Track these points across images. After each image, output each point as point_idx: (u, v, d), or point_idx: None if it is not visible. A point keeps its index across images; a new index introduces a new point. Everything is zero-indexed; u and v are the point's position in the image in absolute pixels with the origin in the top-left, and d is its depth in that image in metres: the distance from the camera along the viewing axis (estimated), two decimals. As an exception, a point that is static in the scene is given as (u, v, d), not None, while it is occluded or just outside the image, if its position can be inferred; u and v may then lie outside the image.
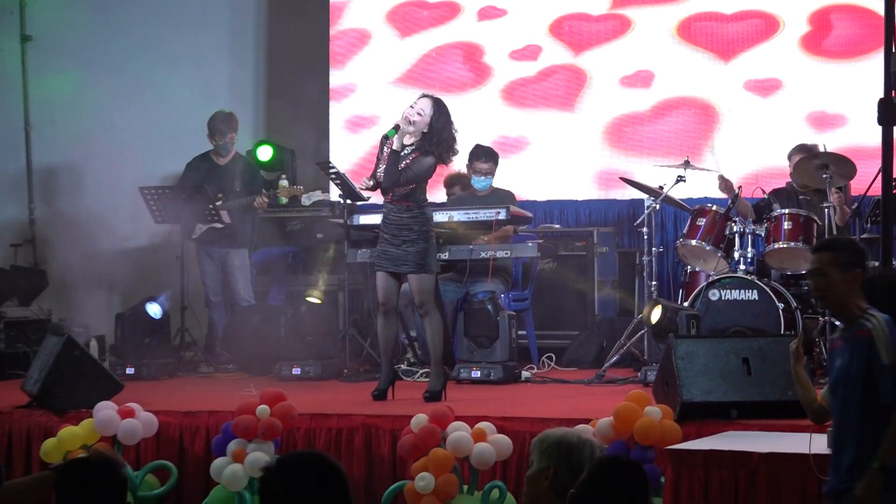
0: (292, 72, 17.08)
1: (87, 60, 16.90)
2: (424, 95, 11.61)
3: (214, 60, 17.08)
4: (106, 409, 10.57)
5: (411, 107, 11.38)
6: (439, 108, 11.47)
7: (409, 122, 11.27)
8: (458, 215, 13.31)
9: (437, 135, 11.37)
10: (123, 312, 14.23)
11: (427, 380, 11.87)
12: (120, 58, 16.68)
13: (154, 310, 14.02)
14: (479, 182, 13.85)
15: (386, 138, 11.42)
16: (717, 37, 16.11)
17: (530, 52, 16.77)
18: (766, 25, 15.80)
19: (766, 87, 15.38)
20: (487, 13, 17.14)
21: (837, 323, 12.09)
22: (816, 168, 12.41)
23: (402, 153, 11.30)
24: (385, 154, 11.36)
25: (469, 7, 17.16)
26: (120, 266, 15.52)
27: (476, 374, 12.60)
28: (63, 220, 17.12)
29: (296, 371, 13.14)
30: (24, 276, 16.16)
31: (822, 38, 15.42)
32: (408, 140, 11.36)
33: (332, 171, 12.07)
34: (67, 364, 11.51)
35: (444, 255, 13.29)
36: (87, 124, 16.54)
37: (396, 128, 11.37)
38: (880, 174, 10.96)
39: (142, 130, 15.99)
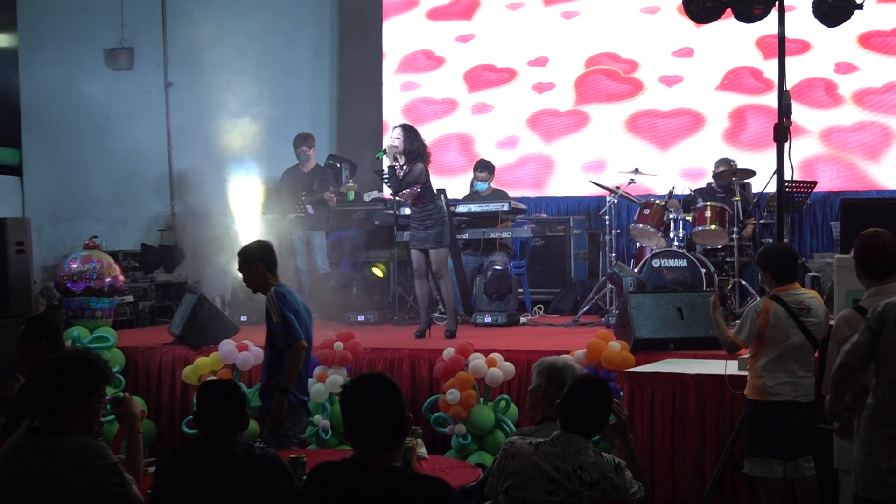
0: (355, 106, 17.08)
1: (210, 99, 16.93)
2: (397, 126, 11.86)
3: (300, 99, 17.08)
4: (227, 345, 10.70)
5: (391, 136, 11.67)
6: (408, 131, 11.72)
7: (393, 146, 11.47)
8: (474, 207, 13.43)
9: (414, 148, 11.53)
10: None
11: (445, 323, 11.96)
12: (233, 95, 16.69)
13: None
14: (479, 185, 13.97)
15: (377, 159, 11.61)
16: (657, 130, 16.07)
17: (511, 142, 16.77)
18: (693, 121, 15.87)
19: (695, 174, 15.13)
20: (479, 108, 17.12)
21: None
22: (730, 173, 12.55)
23: (401, 165, 11.51)
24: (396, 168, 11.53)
25: (465, 103, 17.19)
26: (235, 245, 15.55)
27: (488, 319, 12.72)
28: (193, 211, 17.15)
29: (360, 318, 13.25)
30: (168, 252, 16.24)
31: (739, 131, 15.51)
32: (401, 159, 11.51)
33: (384, 177, 12.10)
34: (200, 313, 11.58)
35: (465, 236, 13.42)
36: (208, 140, 16.58)
37: (384, 151, 11.55)
38: (775, 176, 11.05)
39: (251, 145, 15.99)
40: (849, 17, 9.31)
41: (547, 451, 5.45)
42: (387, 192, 13.71)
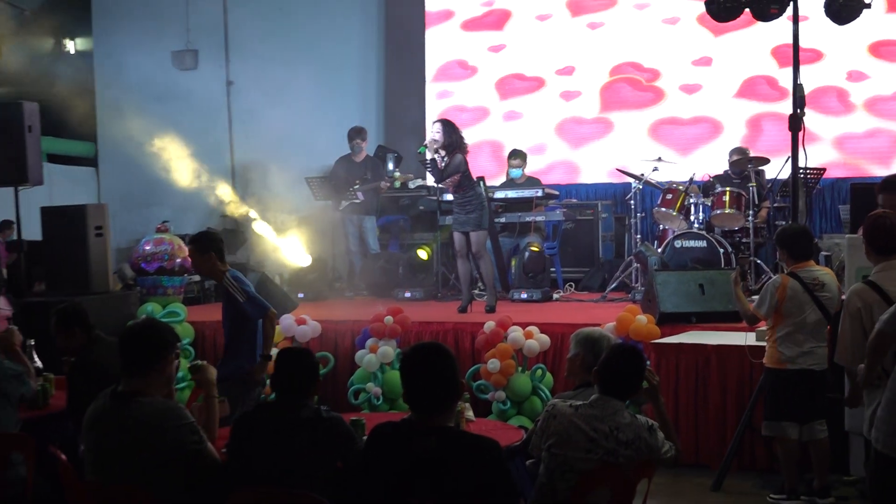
0: (400, 102, 17.08)
1: (268, 96, 16.96)
2: (437, 121, 11.79)
3: (349, 92, 17.10)
4: (287, 319, 10.69)
5: (431, 131, 11.59)
6: (446, 125, 11.64)
7: (434, 140, 11.40)
8: (511, 193, 13.42)
9: (453, 141, 11.47)
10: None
11: (485, 299, 11.92)
12: (288, 92, 16.72)
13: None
14: (514, 172, 13.91)
15: (419, 153, 11.59)
16: (678, 136, 15.85)
17: (539, 148, 16.44)
18: (712, 128, 15.69)
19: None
20: (510, 116, 16.93)
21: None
22: (746, 161, 12.49)
23: (442, 157, 11.46)
24: (440, 157, 11.51)
25: (496, 111, 17.01)
26: (292, 227, 15.59)
27: (524, 295, 12.69)
28: (254, 198, 17.22)
29: (407, 294, 13.25)
30: (231, 235, 16.27)
31: (756, 138, 15.23)
32: (441, 152, 11.47)
33: (427, 166, 12.12)
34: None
35: (502, 219, 13.42)
36: (268, 135, 16.62)
37: (424, 146, 11.52)
38: (787, 163, 10.99)
39: (304, 137, 16.03)
40: (858, 16, 9.22)
41: (586, 413, 5.45)
42: (430, 180, 13.68)
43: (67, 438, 7.28)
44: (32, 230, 12.34)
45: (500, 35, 17.10)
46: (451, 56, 17.28)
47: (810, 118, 9.79)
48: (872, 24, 14.25)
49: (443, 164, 11.48)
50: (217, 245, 8.31)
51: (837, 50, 14.78)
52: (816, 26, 13.15)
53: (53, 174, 12.36)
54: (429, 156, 11.66)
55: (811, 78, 12.36)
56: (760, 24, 14.38)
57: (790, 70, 9.16)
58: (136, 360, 5.42)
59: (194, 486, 5.40)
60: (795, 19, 8.96)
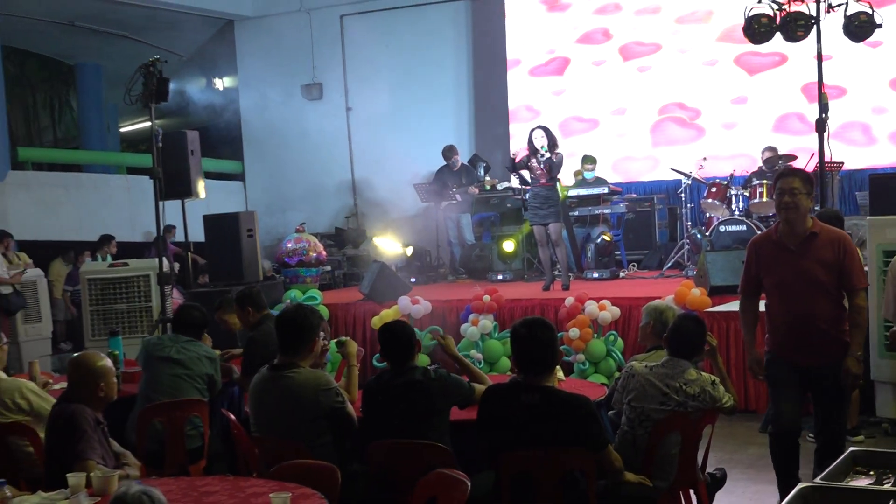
0: (489, 116, 17.03)
1: (380, 118, 17.04)
2: (537, 128, 11.48)
3: (445, 114, 17.10)
4: (404, 300, 10.70)
5: (535, 136, 11.32)
6: (545, 129, 11.43)
7: (539, 145, 11.26)
8: (582, 191, 13.32)
9: (553, 140, 11.32)
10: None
11: (561, 279, 11.79)
12: (396, 114, 16.79)
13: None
14: (588, 174, 13.75)
15: (536, 153, 11.43)
16: (718, 171, 13.80)
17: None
18: (750, 163, 13.97)
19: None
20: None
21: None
22: (776, 159, 12.27)
23: (540, 156, 11.27)
24: (534, 164, 11.36)
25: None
26: (402, 225, 15.66)
27: (595, 275, 12.57)
28: (371, 202, 17.31)
29: (499, 277, 13.20)
30: (354, 233, 16.37)
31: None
32: (546, 152, 11.27)
33: (513, 172, 12.08)
34: (382, 277, 11.65)
35: (575, 213, 13.32)
36: (380, 150, 16.69)
37: (534, 151, 11.37)
38: (813, 158, 10.83)
39: (409, 151, 16.07)
40: (871, 34, 8.99)
41: (659, 372, 5.40)
42: (514, 182, 13.62)
43: (233, 402, 7.36)
44: (196, 233, 12.50)
45: (560, 80, 16.42)
46: (519, 101, 16.63)
47: (837, 149, 9.65)
48: (893, 60, 13.87)
49: (544, 162, 11.34)
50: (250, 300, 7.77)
51: (860, 86, 14.05)
52: (840, 64, 12.91)
53: (210, 188, 12.44)
54: (543, 159, 11.40)
55: (837, 113, 11.07)
56: (791, 63, 14.27)
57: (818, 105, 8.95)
58: (290, 339, 5.47)
59: (338, 439, 5.44)
60: (819, 37, 8.75)
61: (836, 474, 3.30)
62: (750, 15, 8.96)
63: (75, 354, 5.37)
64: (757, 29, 8.87)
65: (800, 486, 3.13)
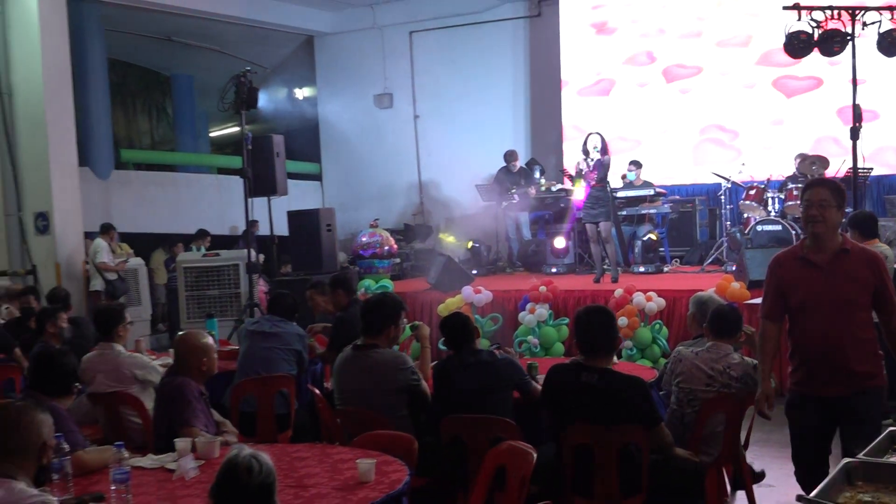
0: (543, 124, 17.00)
1: (445, 125, 17.08)
2: (593, 133, 11.43)
3: (503, 121, 17.08)
4: (467, 290, 10.75)
5: (591, 141, 11.29)
6: (600, 135, 11.37)
7: (594, 147, 11.20)
8: (630, 192, 13.25)
9: (605, 148, 11.26)
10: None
11: (611, 273, 11.74)
12: (460, 121, 16.80)
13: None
14: (631, 175, 13.66)
15: (586, 155, 11.37)
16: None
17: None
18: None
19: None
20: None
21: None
22: (809, 164, 12.10)
23: (593, 160, 11.23)
24: (587, 167, 11.32)
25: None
26: (464, 222, 15.68)
27: (642, 269, 12.52)
28: (436, 201, 17.34)
29: (553, 270, 13.19)
30: (421, 229, 16.41)
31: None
32: (594, 155, 11.24)
33: (566, 175, 12.06)
34: (447, 269, 11.70)
35: (623, 212, 13.25)
36: (445, 154, 16.71)
37: (586, 153, 11.33)
38: (844, 164, 10.73)
39: (471, 155, 16.07)
40: (904, 49, 8.88)
41: (704, 357, 5.39)
42: (567, 184, 13.59)
43: (315, 378, 7.45)
44: (279, 228, 12.62)
45: (606, 101, 15.92)
46: (568, 120, 16.24)
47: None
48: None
49: (595, 164, 11.27)
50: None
51: (893, 110, 13.62)
52: (873, 89, 12.58)
53: (291, 187, 12.57)
54: (593, 162, 11.36)
55: (870, 136, 10.52)
56: (827, 86, 13.96)
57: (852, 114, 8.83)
58: (373, 322, 5.52)
59: (413, 412, 5.48)
60: (853, 52, 8.66)
61: (878, 452, 3.28)
62: (790, 32, 8.88)
63: (180, 333, 5.47)
64: (796, 45, 8.81)
65: (844, 461, 3.11)
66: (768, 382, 4.88)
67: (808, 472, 4.70)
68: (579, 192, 11.52)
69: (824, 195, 4.61)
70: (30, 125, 13.35)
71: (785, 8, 8.86)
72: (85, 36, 15.10)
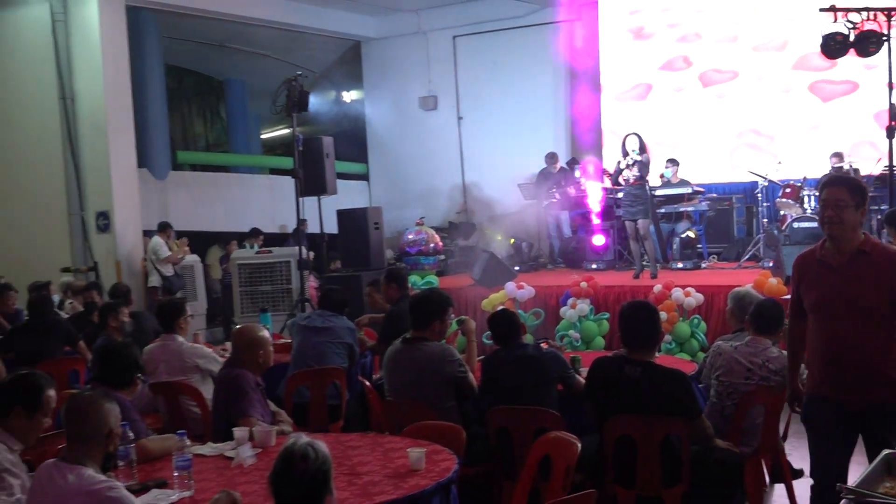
0: (583, 125, 16.91)
1: (487, 126, 17.06)
2: (631, 134, 11.39)
3: (544, 122, 17.03)
4: (510, 286, 10.71)
5: (627, 140, 11.27)
6: (637, 135, 11.32)
7: (633, 150, 11.14)
8: (669, 190, 13.16)
9: (643, 148, 11.22)
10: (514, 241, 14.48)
11: (650, 269, 11.67)
12: (501, 122, 16.78)
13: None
14: (667, 173, 13.56)
15: (626, 156, 11.32)
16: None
17: None
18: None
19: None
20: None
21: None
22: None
23: (632, 160, 11.18)
24: (626, 165, 11.27)
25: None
26: (506, 220, 15.65)
27: (680, 265, 12.39)
28: (479, 200, 17.33)
29: (593, 266, 13.07)
30: (465, 227, 16.41)
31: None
32: (634, 156, 11.19)
33: (606, 174, 12.01)
34: (491, 265, 11.69)
35: (662, 210, 13.16)
36: (487, 154, 16.70)
37: (625, 154, 11.27)
38: (877, 162, 10.58)
39: (513, 155, 16.05)
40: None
41: (743, 350, 5.36)
42: (607, 183, 13.52)
43: (365, 370, 7.49)
44: (329, 226, 12.68)
45: (643, 105, 15.68)
46: (606, 125, 16.07)
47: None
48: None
49: (635, 164, 11.22)
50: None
51: None
52: None
53: (339, 187, 12.62)
54: (633, 161, 11.29)
55: None
56: (862, 90, 13.68)
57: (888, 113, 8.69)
58: (422, 316, 5.54)
59: (461, 403, 5.50)
60: (889, 53, 8.54)
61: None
62: (826, 34, 8.78)
63: (238, 326, 5.52)
64: (832, 46, 8.71)
65: (884, 452, 3.07)
66: (796, 382, 4.63)
67: (822, 467, 4.31)
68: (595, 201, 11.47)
69: (841, 195, 4.25)
70: (92, 129, 13.54)
71: (821, 10, 8.76)
72: (143, 43, 15.27)
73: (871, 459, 3.95)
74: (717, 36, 15.29)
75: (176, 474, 3.90)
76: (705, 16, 15.40)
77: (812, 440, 4.43)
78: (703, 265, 12.74)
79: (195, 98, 22.13)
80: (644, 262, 11.75)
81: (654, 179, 13.30)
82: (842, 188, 4.28)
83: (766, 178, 12.79)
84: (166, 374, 6.32)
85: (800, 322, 4.56)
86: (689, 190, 13.04)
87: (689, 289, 9.81)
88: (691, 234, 12.73)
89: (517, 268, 13.02)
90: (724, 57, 15.18)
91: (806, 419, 4.47)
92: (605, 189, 13.50)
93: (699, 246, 13.22)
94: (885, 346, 4.21)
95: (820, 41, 8.99)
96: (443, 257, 13.56)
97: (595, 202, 13.13)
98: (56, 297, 11.10)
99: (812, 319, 4.40)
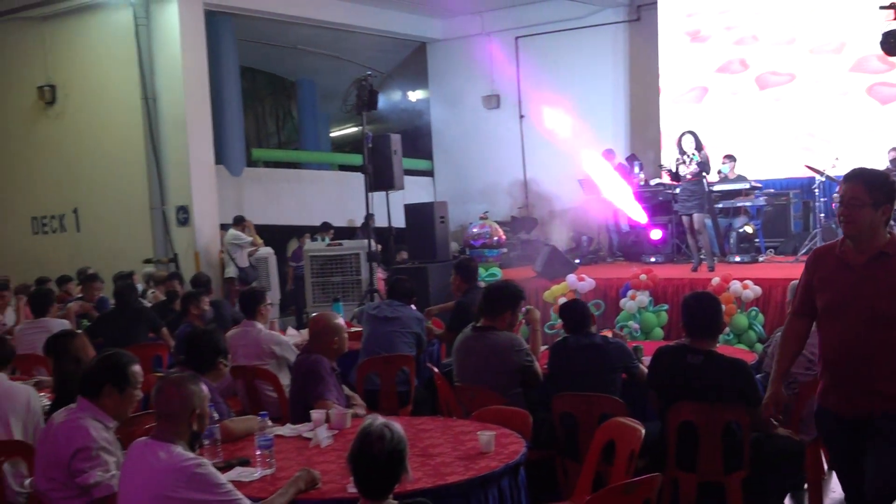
0: (642, 122, 16.79)
1: (546, 123, 16.99)
2: (686, 133, 11.22)
3: (604, 119, 16.92)
4: (571, 277, 10.61)
5: (683, 139, 11.13)
6: (693, 133, 11.14)
7: (690, 148, 11.02)
8: (726, 186, 12.98)
9: (699, 146, 11.04)
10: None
11: (706, 262, 11.46)
12: (560, 122, 16.66)
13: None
14: (725, 169, 13.34)
15: (683, 153, 11.19)
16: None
17: None
18: None
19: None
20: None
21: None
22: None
23: (690, 157, 11.06)
24: (683, 162, 11.14)
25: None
26: (566, 214, 15.60)
27: (738, 258, 12.22)
28: (539, 195, 17.28)
29: (652, 259, 12.97)
30: (526, 221, 16.39)
31: None
32: (695, 153, 11.06)
33: (665, 170, 11.89)
34: (552, 258, 11.63)
35: (720, 205, 12.98)
36: (548, 150, 16.63)
37: (682, 152, 11.15)
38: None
39: (574, 151, 15.94)
40: None
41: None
42: (665, 179, 13.38)
43: (433, 357, 7.53)
44: (396, 220, 12.74)
45: (699, 108, 15.29)
46: (662, 125, 15.83)
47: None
48: None
49: (693, 162, 11.09)
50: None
51: None
52: None
53: (406, 182, 12.69)
54: (694, 159, 11.17)
55: None
56: None
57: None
58: (496, 306, 5.56)
59: (526, 390, 5.50)
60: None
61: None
62: (887, 31, 8.61)
63: (314, 314, 5.59)
64: (892, 43, 8.52)
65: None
66: (778, 385, 4.09)
67: (850, 485, 3.89)
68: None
69: (856, 192, 3.78)
70: (172, 127, 13.79)
71: (881, 7, 8.61)
72: (220, 46, 15.48)
73: (868, 473, 3.71)
74: (773, 38, 14.93)
75: (258, 453, 3.97)
76: (762, 18, 15.08)
77: (829, 453, 4.01)
78: (761, 259, 12.54)
79: (268, 98, 22.38)
80: (701, 256, 11.62)
81: (711, 175, 13.15)
82: (858, 184, 3.81)
83: (822, 174, 12.56)
84: (244, 359, 6.43)
85: (799, 320, 4.07)
86: (747, 185, 12.85)
87: (746, 281, 9.67)
88: (748, 228, 12.54)
89: (577, 260, 12.94)
90: (781, 59, 14.83)
91: (819, 431, 4.10)
92: (639, 188, 13.44)
93: (756, 240, 13.01)
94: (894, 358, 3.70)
95: (880, 39, 8.81)
96: (505, 250, 13.52)
97: (632, 206, 12.98)
98: (139, 287, 11.31)
99: (822, 321, 3.92)
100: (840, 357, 3.80)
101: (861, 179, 3.82)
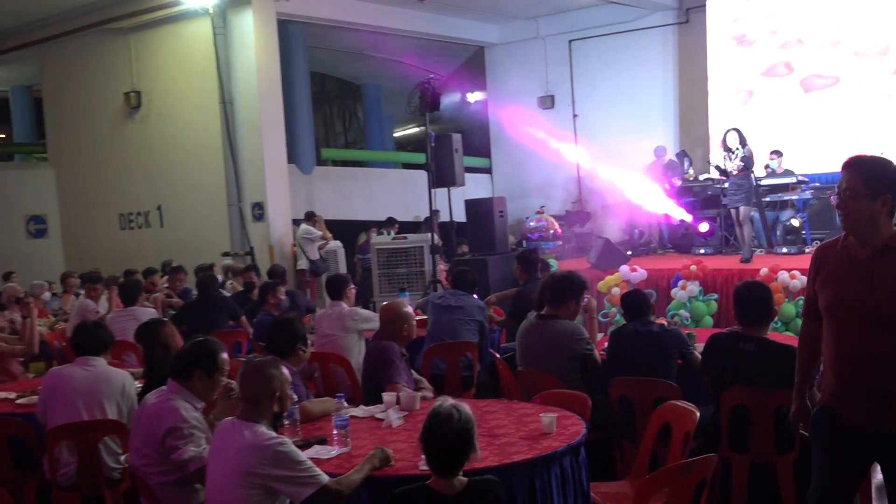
0: (691, 120, 16.59)
1: (600, 122, 16.89)
2: (731, 130, 11.06)
3: (653, 118, 16.75)
4: (624, 268, 10.53)
5: (728, 136, 10.97)
6: (738, 131, 11.00)
7: (735, 145, 10.85)
8: (773, 180, 12.78)
9: (743, 142, 10.89)
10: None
11: (742, 252, 11.29)
12: (614, 118, 16.56)
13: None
14: (773, 164, 13.13)
15: (728, 150, 11.04)
16: None
17: None
18: None
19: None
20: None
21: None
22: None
23: (734, 153, 10.89)
24: (730, 156, 10.99)
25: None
26: (618, 209, 15.46)
27: (784, 250, 12.00)
28: (592, 190, 17.11)
29: (702, 251, 12.77)
30: (580, 215, 16.27)
31: None
32: (736, 150, 10.90)
33: (714, 167, 11.73)
34: (606, 250, 11.56)
35: (766, 199, 12.78)
36: (601, 147, 16.48)
37: (727, 149, 10.99)
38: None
39: (625, 148, 15.76)
40: None
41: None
42: (713, 174, 13.21)
43: (494, 343, 7.53)
44: (458, 214, 12.76)
45: (744, 111, 15.00)
46: (710, 124, 15.57)
47: None
48: None
49: (737, 157, 10.94)
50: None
51: None
52: None
53: (466, 179, 12.70)
54: (739, 155, 10.98)
55: None
56: None
57: None
58: (561, 295, 5.55)
59: (585, 375, 5.49)
60: None
61: None
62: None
63: (385, 303, 5.63)
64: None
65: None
66: (802, 399, 3.64)
67: (824, 489, 3.43)
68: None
69: (853, 182, 3.30)
70: (247, 129, 13.97)
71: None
72: (292, 52, 15.65)
73: (891, 496, 3.32)
74: (818, 41, 14.56)
75: (335, 432, 4.02)
76: (807, 21, 14.71)
77: (817, 458, 3.47)
78: (807, 250, 12.31)
79: (335, 100, 22.57)
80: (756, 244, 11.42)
81: (759, 170, 12.96)
82: (854, 173, 3.32)
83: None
84: (329, 330, 6.85)
85: (810, 324, 3.60)
86: (794, 180, 12.63)
87: (794, 272, 9.51)
88: (795, 221, 12.33)
89: (629, 252, 12.84)
90: (826, 62, 14.46)
91: (812, 430, 3.53)
92: (673, 186, 13.28)
93: (803, 232, 12.81)
94: None
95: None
96: (560, 243, 13.48)
97: (674, 209, 12.84)
98: (218, 278, 11.48)
99: (825, 321, 3.45)
100: (845, 359, 3.36)
101: (857, 168, 3.33)
